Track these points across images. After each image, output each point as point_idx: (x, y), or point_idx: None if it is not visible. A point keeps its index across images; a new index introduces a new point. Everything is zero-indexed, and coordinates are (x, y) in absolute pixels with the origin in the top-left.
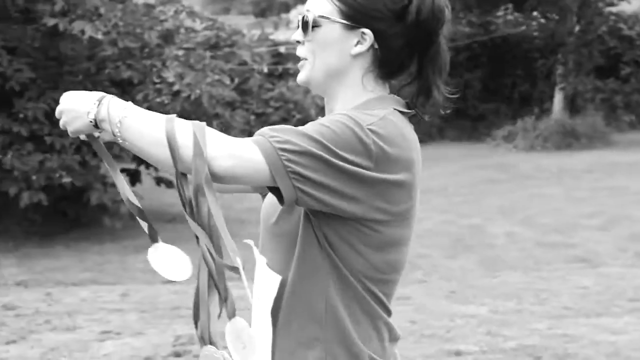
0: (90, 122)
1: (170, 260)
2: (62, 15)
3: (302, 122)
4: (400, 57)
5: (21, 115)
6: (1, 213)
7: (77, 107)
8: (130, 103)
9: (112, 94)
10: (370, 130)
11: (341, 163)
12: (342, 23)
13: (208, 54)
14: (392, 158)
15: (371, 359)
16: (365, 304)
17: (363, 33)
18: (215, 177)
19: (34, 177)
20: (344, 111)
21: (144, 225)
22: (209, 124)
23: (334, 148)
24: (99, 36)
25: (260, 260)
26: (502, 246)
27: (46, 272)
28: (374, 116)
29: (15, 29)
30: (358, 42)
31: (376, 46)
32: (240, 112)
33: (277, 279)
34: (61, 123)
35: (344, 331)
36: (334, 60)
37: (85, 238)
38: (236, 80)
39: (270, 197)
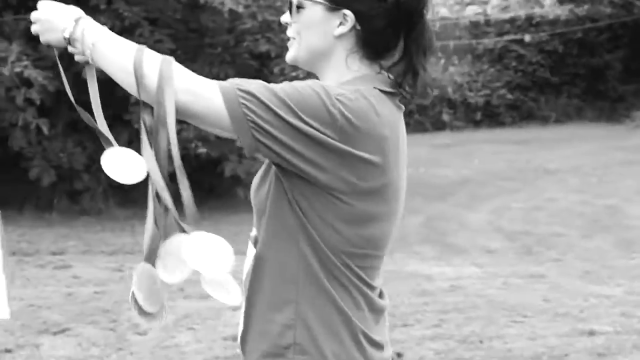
0: (64, 38)
1: (124, 163)
2: None
3: (439, 98)
4: (384, 37)
5: None
6: (139, 183)
7: (54, 20)
8: (105, 28)
9: (251, 67)
10: (338, 100)
11: (302, 125)
12: (323, 4)
13: None
14: (359, 132)
15: (345, 323)
16: (339, 274)
17: (345, 14)
18: (179, 114)
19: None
20: (321, 82)
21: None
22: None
23: (298, 110)
24: (239, 9)
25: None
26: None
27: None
28: (346, 90)
29: (157, 1)
30: (340, 24)
31: (358, 27)
32: None
33: (252, 252)
34: (33, 29)
35: (317, 295)
36: (318, 41)
37: (220, 208)
38: None
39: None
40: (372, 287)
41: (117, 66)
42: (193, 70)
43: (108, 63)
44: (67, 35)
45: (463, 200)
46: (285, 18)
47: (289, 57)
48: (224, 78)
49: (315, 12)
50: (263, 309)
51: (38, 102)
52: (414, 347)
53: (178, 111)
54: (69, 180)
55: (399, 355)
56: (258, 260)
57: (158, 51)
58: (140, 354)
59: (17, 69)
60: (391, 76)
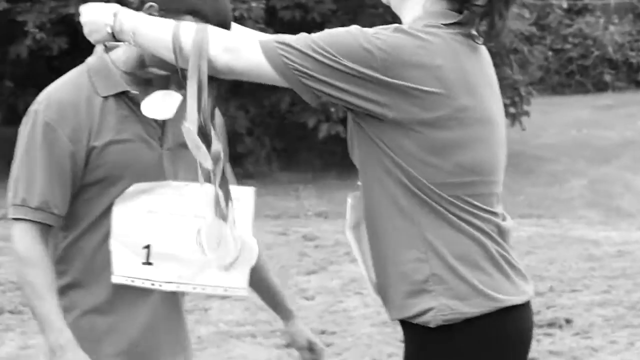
0: (109, 33)
1: (161, 101)
2: None
3: (600, 58)
4: None
5: None
6: (300, 144)
7: (96, 20)
8: (140, 13)
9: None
10: (376, 37)
11: (342, 66)
12: None
13: None
14: (401, 63)
15: (479, 249)
16: (451, 206)
17: None
18: (217, 71)
19: (332, 109)
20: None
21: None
22: (507, 59)
23: (334, 52)
24: None
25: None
26: None
27: (345, 204)
28: (387, 28)
29: None
30: None
31: None
32: (538, 47)
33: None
34: (85, 33)
35: (439, 226)
36: None
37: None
38: (535, 15)
39: None
40: (491, 213)
41: (159, 44)
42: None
43: (150, 44)
44: (109, 30)
45: (627, 162)
46: None
47: None
48: None
49: None
50: (390, 253)
51: None
52: (583, 313)
53: (223, 71)
54: (232, 144)
55: (567, 321)
56: (368, 209)
57: (319, 12)
58: (308, 318)
59: None
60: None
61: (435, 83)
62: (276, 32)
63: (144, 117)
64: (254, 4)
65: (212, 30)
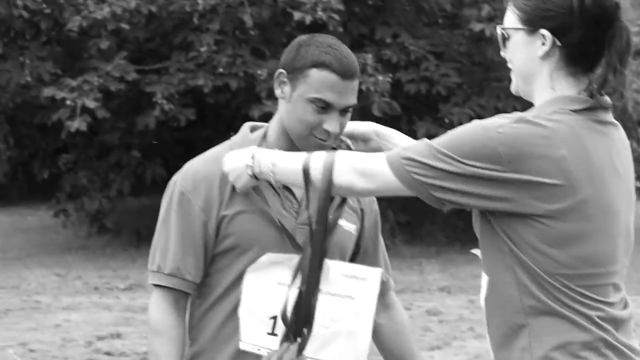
0: (251, 176)
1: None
2: (488, 21)
3: None
4: (584, 48)
5: (446, 120)
6: (424, 218)
7: (238, 166)
8: (275, 150)
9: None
10: (499, 131)
11: (467, 169)
12: (523, 29)
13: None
14: (525, 158)
15: (582, 341)
16: (562, 296)
17: (543, 35)
18: (354, 194)
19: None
20: (484, 120)
21: None
22: (634, 132)
23: (458, 157)
24: None
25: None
26: None
27: (469, 278)
28: (510, 118)
29: (442, 34)
30: (542, 44)
31: (559, 43)
32: None
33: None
34: (231, 180)
35: (545, 318)
36: (525, 65)
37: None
38: None
39: None
40: (604, 303)
41: (294, 177)
42: (479, 105)
43: (288, 178)
44: (251, 172)
45: None
46: (502, 52)
47: (512, 88)
48: (510, 111)
49: (518, 39)
50: (500, 335)
51: None
52: None
53: (361, 194)
54: None
55: None
56: (489, 288)
57: (444, 85)
58: None
59: None
60: (593, 91)
61: (559, 175)
62: (401, 105)
63: (282, 189)
64: (380, 78)
65: (341, 156)
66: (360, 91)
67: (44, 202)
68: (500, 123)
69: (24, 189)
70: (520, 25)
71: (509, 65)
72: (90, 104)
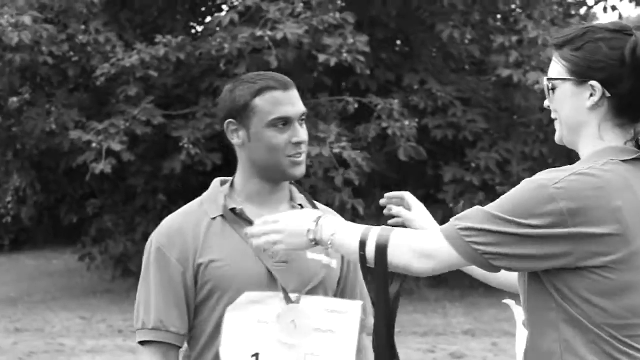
0: (310, 240)
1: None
2: (515, 67)
3: None
4: (632, 99)
5: (473, 165)
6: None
7: (298, 226)
8: (338, 218)
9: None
10: (557, 188)
11: (526, 230)
12: (571, 80)
13: None
14: (582, 211)
15: None
16: (606, 346)
17: (592, 86)
18: (418, 274)
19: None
20: (538, 176)
21: None
22: None
23: (516, 219)
24: None
25: (518, 316)
26: None
27: (493, 322)
28: (566, 171)
29: (469, 80)
30: (591, 95)
31: (608, 95)
32: None
33: (525, 333)
34: (272, 239)
35: None
36: (573, 115)
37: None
38: None
39: None
40: None
41: (351, 249)
42: (506, 150)
43: (344, 251)
44: (312, 237)
45: None
46: (546, 102)
47: (556, 138)
48: (537, 157)
49: (566, 89)
50: None
51: (357, 183)
52: None
53: (426, 274)
54: None
55: None
56: (529, 343)
57: (470, 131)
58: None
59: (336, 150)
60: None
61: (615, 225)
62: (428, 150)
63: None
64: (406, 123)
65: (396, 235)
66: (386, 136)
67: (69, 246)
68: (555, 178)
69: (49, 232)
70: (568, 76)
71: (553, 115)
72: (116, 146)
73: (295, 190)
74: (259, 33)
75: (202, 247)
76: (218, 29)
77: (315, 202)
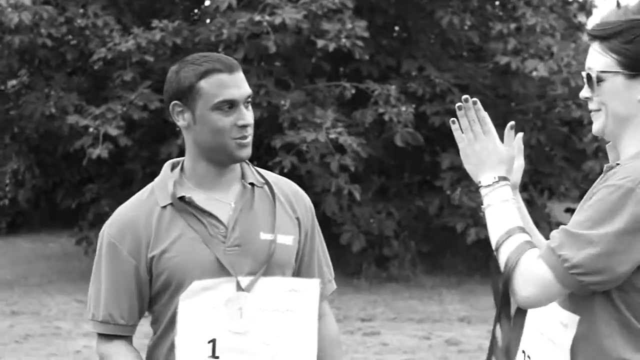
0: (477, 183)
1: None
2: (513, 54)
3: None
4: None
5: None
6: (445, 248)
7: (484, 166)
8: (509, 199)
9: (561, 133)
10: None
11: (619, 245)
12: (623, 73)
13: None
14: None
15: None
16: None
17: None
18: (520, 304)
19: (481, 213)
20: (617, 180)
21: None
22: None
23: (610, 232)
24: (551, 76)
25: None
26: None
27: (489, 309)
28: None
29: (467, 67)
30: None
31: None
32: None
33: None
34: (468, 146)
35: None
36: (623, 108)
37: None
38: None
39: None
40: None
41: (491, 235)
42: (503, 137)
43: (488, 227)
44: (478, 184)
45: None
46: (585, 93)
47: (596, 129)
48: (535, 144)
49: (616, 82)
50: None
51: (352, 169)
52: None
53: (524, 305)
54: (379, 247)
55: None
56: (574, 341)
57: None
58: None
59: (332, 136)
60: None
61: None
62: (425, 137)
63: (206, 217)
64: (403, 108)
65: (526, 262)
66: (383, 122)
67: (66, 230)
68: (631, 177)
69: (46, 216)
70: (619, 69)
71: (594, 106)
72: (113, 131)
73: (247, 167)
74: (257, 18)
75: (154, 238)
76: (218, 15)
77: (262, 171)
